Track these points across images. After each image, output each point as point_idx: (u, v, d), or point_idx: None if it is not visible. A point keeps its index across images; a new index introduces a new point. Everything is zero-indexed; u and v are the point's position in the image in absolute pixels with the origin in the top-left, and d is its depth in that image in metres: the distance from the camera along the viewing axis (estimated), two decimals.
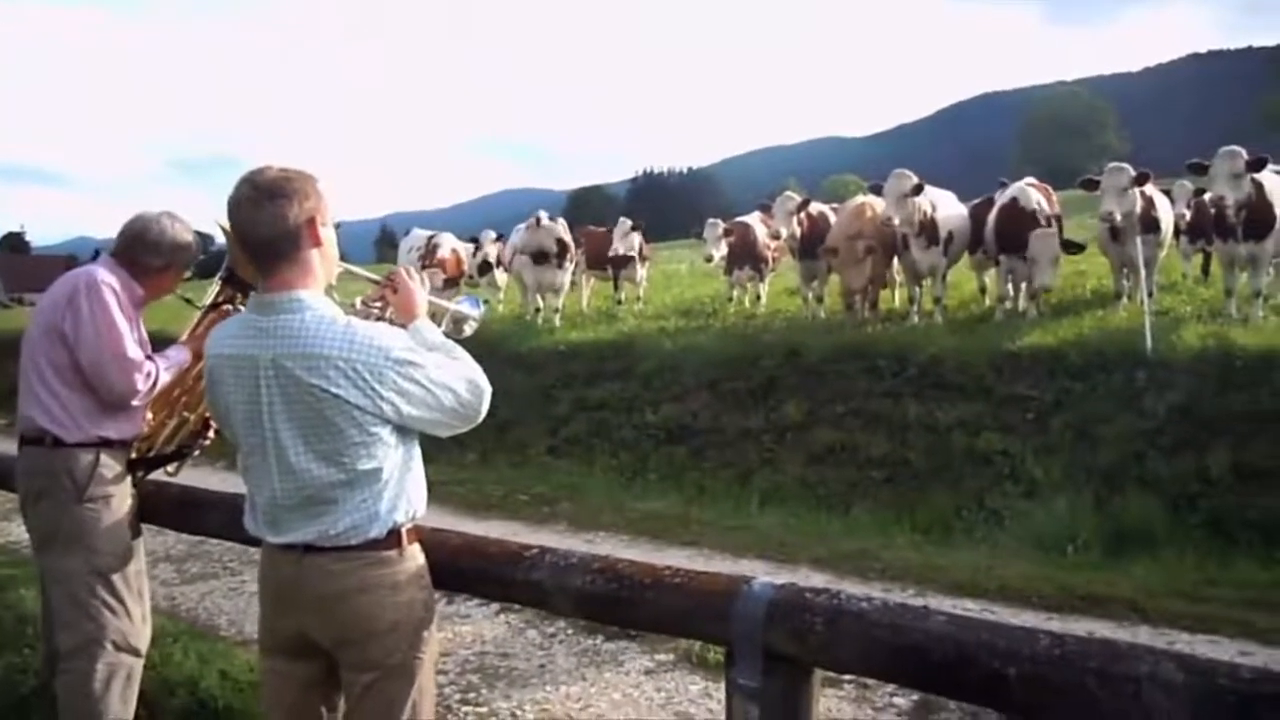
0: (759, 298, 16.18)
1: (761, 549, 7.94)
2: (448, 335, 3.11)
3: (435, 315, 3.24)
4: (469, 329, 3.56)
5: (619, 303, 17.25)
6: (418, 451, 2.88)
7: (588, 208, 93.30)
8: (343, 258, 2.99)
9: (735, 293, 16.03)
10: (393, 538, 2.78)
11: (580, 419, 12.07)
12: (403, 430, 2.76)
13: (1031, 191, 11.75)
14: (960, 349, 10.30)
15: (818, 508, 9.31)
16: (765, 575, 7.57)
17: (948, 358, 10.21)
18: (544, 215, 15.17)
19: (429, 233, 17.69)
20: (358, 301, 3.19)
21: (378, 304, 3.18)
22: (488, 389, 2.86)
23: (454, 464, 11.81)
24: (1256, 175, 10.04)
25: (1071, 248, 11.21)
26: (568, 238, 15.61)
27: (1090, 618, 6.21)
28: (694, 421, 11.20)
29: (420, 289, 3.12)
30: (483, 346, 13.18)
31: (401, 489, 2.79)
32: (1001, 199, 11.92)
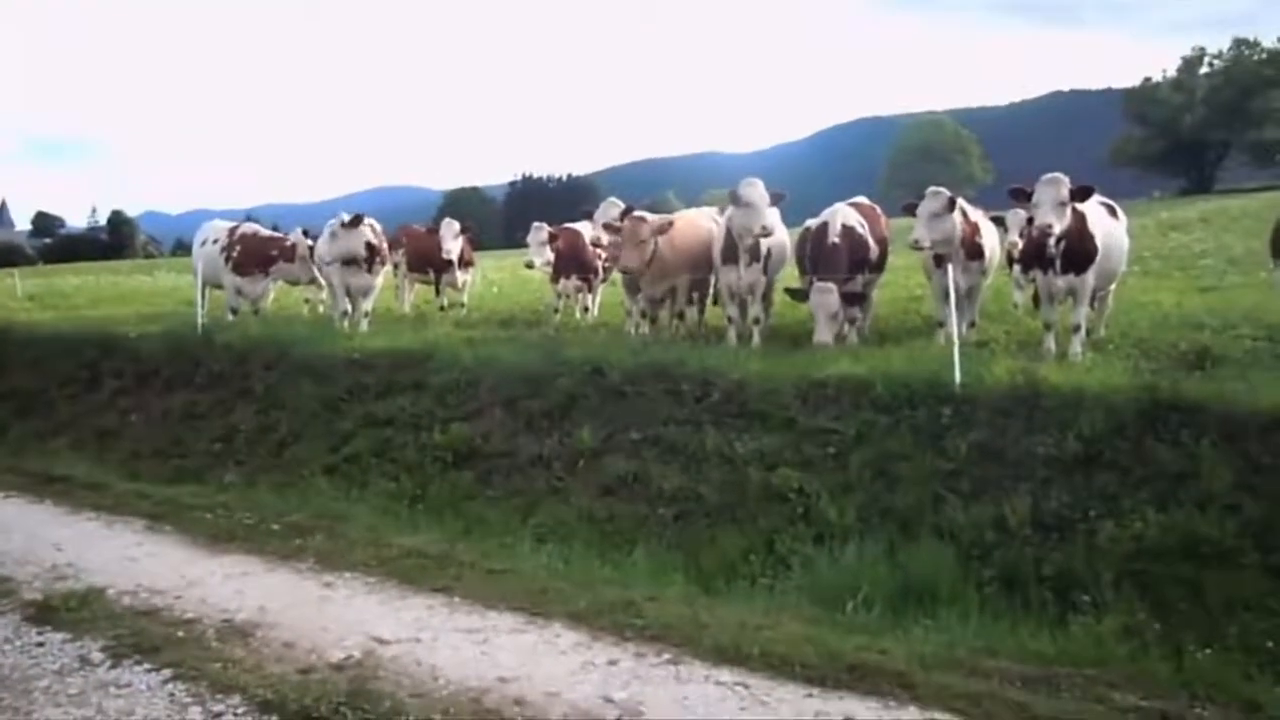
0: (587, 309, 15.28)
1: (518, 599, 6.94)
2: None
3: None
4: None
5: (441, 308, 16.14)
6: None
7: (464, 207, 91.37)
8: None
9: (561, 303, 15.09)
10: None
11: (364, 436, 10.90)
12: None
13: (846, 215, 11.18)
14: (768, 375, 9.56)
15: (601, 545, 8.39)
16: (510, 632, 6.75)
17: (753, 384, 9.46)
18: (345, 216, 13.85)
19: (230, 224, 16.28)
20: None
21: None
22: None
23: (213, 486, 10.53)
24: (1079, 206, 9.64)
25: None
26: (379, 241, 14.35)
27: (854, 694, 5.43)
28: (484, 444, 10.17)
29: None
30: (272, 351, 11.85)
31: None
32: (815, 222, 11.32)
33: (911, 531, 7.63)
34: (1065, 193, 9.36)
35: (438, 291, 16.37)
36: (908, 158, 78.12)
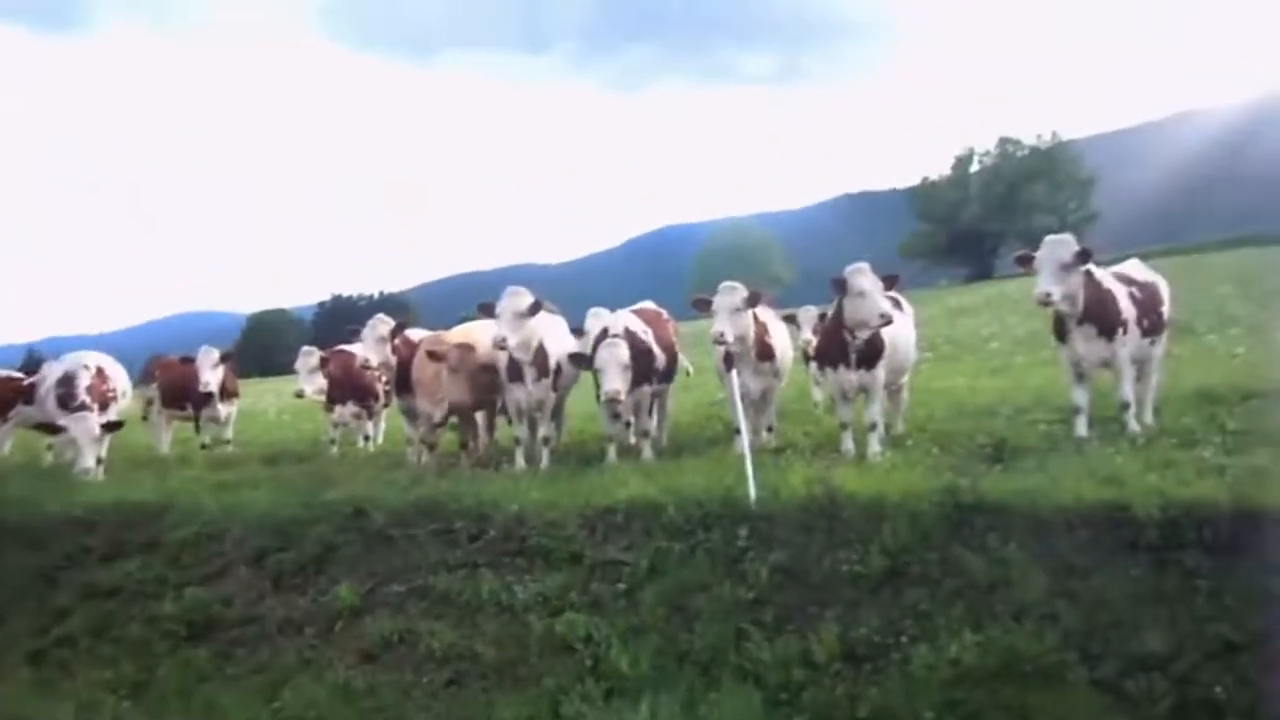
0: (368, 438, 13.92)
1: None
2: None
3: None
4: None
5: (203, 446, 14.41)
6: None
7: (270, 331, 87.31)
8: None
9: (337, 433, 13.67)
10: None
11: (82, 612, 9.17)
12: None
13: (628, 320, 10.50)
14: (551, 503, 8.53)
15: None
16: None
17: (535, 515, 8.41)
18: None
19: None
20: None
21: None
22: None
23: None
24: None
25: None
26: (100, 381, 12.64)
27: None
28: (225, 611, 8.66)
29: None
30: None
31: None
32: (597, 327, 10.58)
33: (713, 676, 6.70)
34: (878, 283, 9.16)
35: (197, 428, 14.65)
36: (715, 261, 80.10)
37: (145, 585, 9.19)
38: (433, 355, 10.75)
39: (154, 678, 8.17)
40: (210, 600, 8.74)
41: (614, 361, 9.69)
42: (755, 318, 10.12)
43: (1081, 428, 9.06)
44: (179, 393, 14.47)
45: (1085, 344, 9.14)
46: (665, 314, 11.66)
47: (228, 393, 14.28)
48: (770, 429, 10.55)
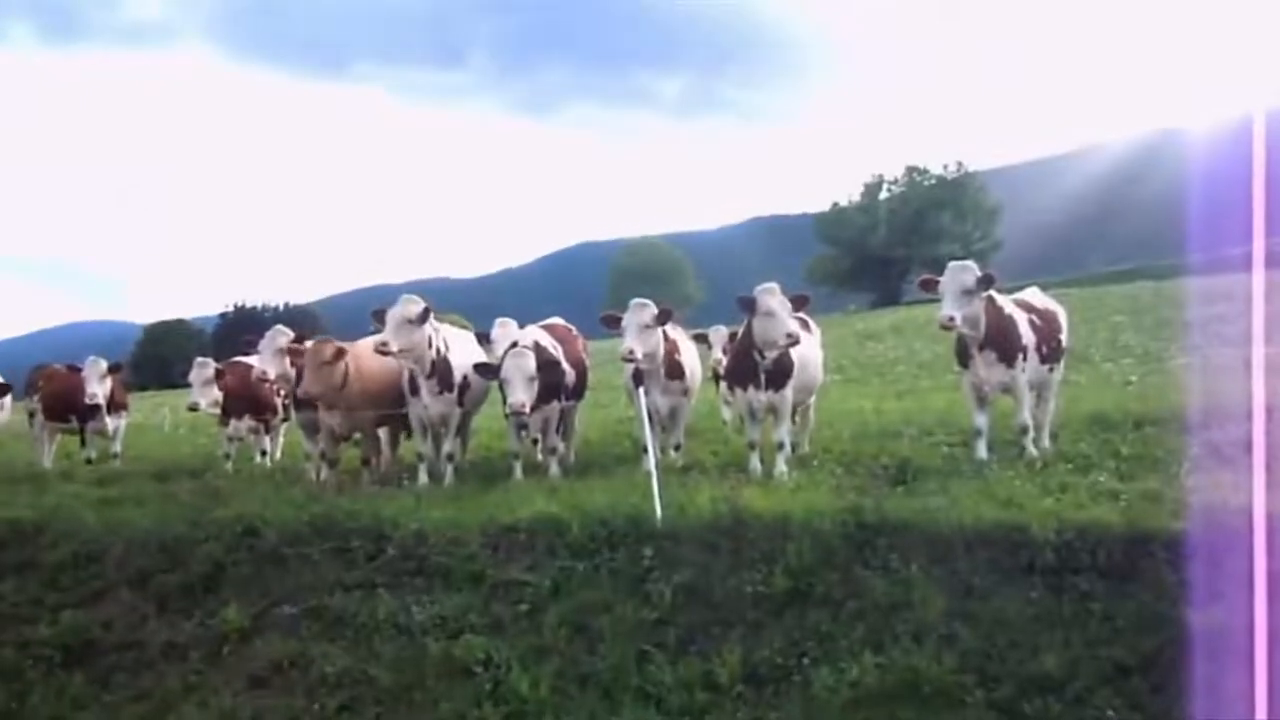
0: (265, 453, 13.45)
1: None
2: None
3: None
4: None
5: (89, 461, 13.76)
6: None
7: (169, 341, 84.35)
8: None
9: (232, 448, 13.19)
10: None
11: None
12: None
13: (537, 335, 10.40)
14: (453, 521, 8.34)
15: None
16: None
17: (435, 533, 8.19)
18: None
19: None
20: None
21: None
22: None
23: None
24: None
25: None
26: None
27: None
28: (105, 635, 8.22)
29: None
30: None
31: None
32: (506, 343, 10.42)
33: (615, 699, 6.55)
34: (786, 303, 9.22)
35: (83, 442, 13.99)
36: (627, 280, 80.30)
37: (19, 608, 8.70)
38: (291, 351, 10.58)
39: (26, 705, 7.69)
40: (88, 623, 8.30)
41: (519, 372, 9.53)
42: (665, 335, 10.08)
43: (982, 450, 9.22)
44: (63, 404, 13.78)
45: (986, 369, 9.31)
46: (575, 330, 11.53)
47: (116, 405, 13.64)
48: (678, 447, 10.50)
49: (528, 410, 9.53)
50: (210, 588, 8.38)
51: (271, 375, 10.97)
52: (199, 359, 13.12)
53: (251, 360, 12.72)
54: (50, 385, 14.11)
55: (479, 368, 10.26)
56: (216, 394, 12.90)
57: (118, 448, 13.98)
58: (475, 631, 7.25)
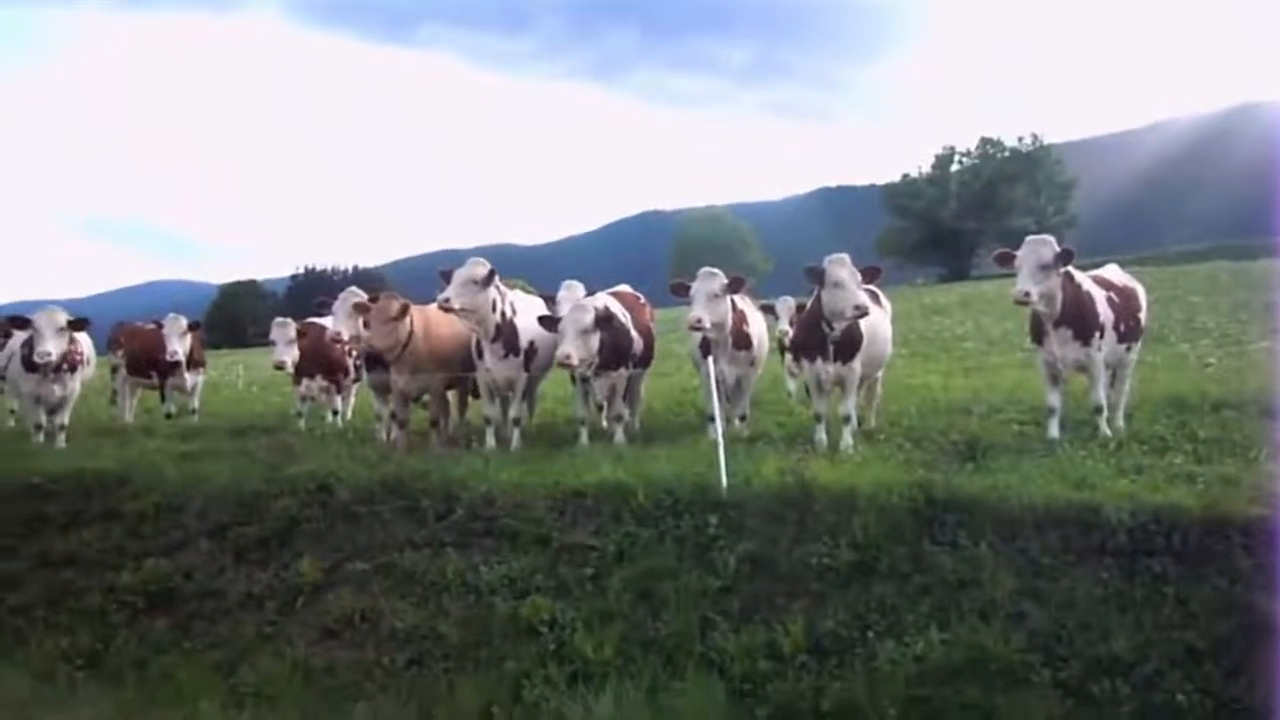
0: (336, 412, 13.75)
1: None
2: None
3: None
4: None
5: (168, 416, 14.19)
6: None
7: (241, 302, 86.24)
8: None
9: (305, 407, 13.50)
10: None
11: (37, 581, 8.97)
12: None
13: (607, 301, 10.43)
14: (520, 485, 8.44)
15: (316, 705, 6.96)
16: None
17: (503, 496, 8.32)
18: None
19: None
20: None
21: None
22: None
23: None
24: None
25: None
26: (79, 344, 12.24)
27: None
28: (185, 583, 8.50)
29: None
30: None
31: None
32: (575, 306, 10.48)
33: (677, 664, 6.62)
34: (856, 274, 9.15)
35: (163, 397, 14.43)
36: (692, 249, 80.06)
37: (103, 555, 9.00)
38: (359, 307, 10.70)
39: (110, 648, 8.01)
40: (169, 572, 8.58)
41: (573, 325, 9.58)
42: (734, 305, 10.06)
43: (1055, 429, 9.06)
44: (145, 360, 14.22)
45: (1061, 346, 9.13)
46: (642, 298, 11.56)
47: (194, 362, 14.03)
48: (744, 418, 10.50)
49: (574, 362, 9.55)
50: (285, 541, 8.61)
51: (345, 336, 11.17)
52: (279, 319, 13.40)
53: (324, 321, 12.96)
54: (133, 342, 14.56)
55: (542, 320, 10.33)
56: (297, 353, 13.17)
57: (195, 404, 14.39)
58: (541, 593, 7.36)
